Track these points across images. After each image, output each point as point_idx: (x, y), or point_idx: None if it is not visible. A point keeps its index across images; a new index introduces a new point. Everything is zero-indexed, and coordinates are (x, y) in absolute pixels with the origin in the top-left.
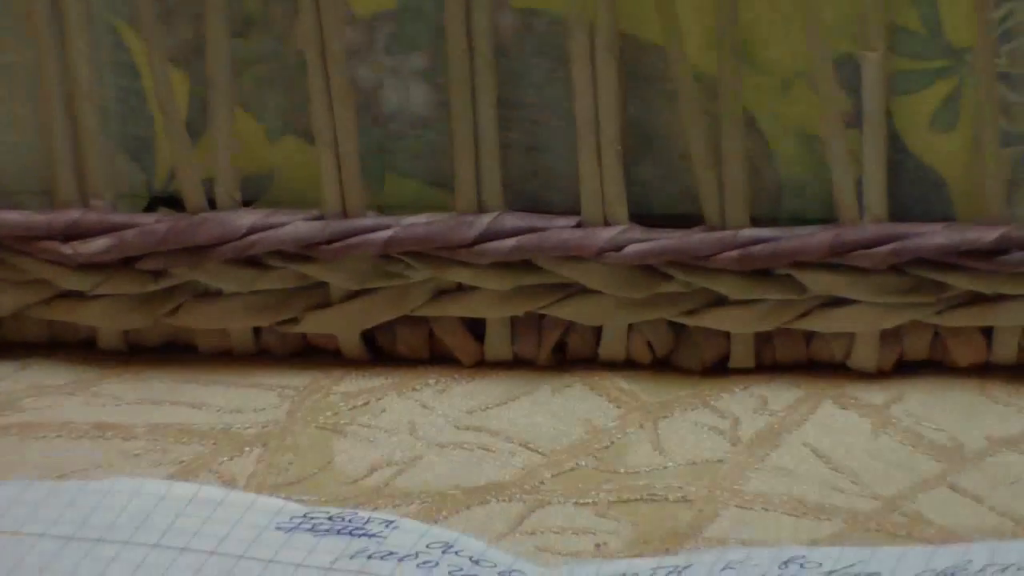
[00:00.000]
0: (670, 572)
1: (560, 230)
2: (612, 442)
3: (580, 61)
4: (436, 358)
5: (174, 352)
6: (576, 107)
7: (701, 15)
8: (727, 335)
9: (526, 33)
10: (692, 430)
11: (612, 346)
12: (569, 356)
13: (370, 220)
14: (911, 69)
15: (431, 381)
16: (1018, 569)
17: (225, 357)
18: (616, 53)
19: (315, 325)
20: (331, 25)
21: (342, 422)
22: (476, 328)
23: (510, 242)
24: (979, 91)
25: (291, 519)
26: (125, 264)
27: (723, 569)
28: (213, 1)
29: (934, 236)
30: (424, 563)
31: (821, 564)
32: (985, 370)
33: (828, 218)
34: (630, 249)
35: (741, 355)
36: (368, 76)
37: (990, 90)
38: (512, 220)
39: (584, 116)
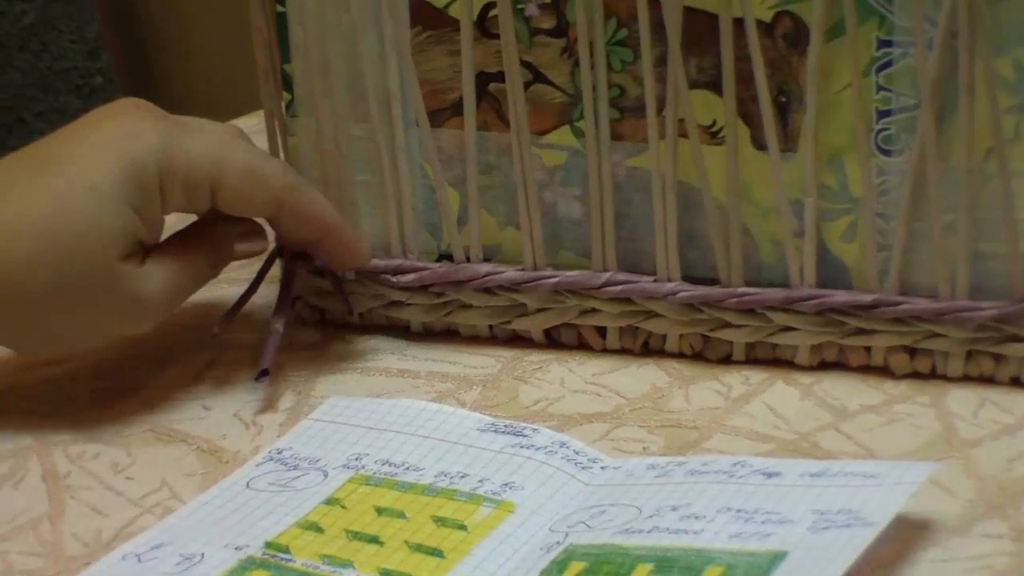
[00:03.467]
0: (677, 463)
1: (645, 283)
2: (663, 395)
3: (657, 196)
4: (581, 346)
5: (448, 335)
6: (656, 221)
7: (719, 171)
8: (731, 343)
9: (631, 178)
10: (707, 391)
11: (671, 344)
12: (649, 349)
13: (547, 272)
14: (831, 208)
15: (576, 358)
16: (865, 476)
17: (473, 339)
18: (675, 192)
19: (519, 325)
20: (530, 171)
21: (526, 376)
22: (602, 331)
23: (619, 287)
24: (865, 221)
25: (485, 424)
26: (424, 288)
27: (703, 464)
28: (470, 155)
29: (840, 296)
30: (548, 451)
31: (753, 465)
32: (866, 369)
33: (785, 284)
34: (681, 295)
35: (738, 354)
36: (550, 198)
37: (870, 221)
38: (621, 276)
39: (660, 225)
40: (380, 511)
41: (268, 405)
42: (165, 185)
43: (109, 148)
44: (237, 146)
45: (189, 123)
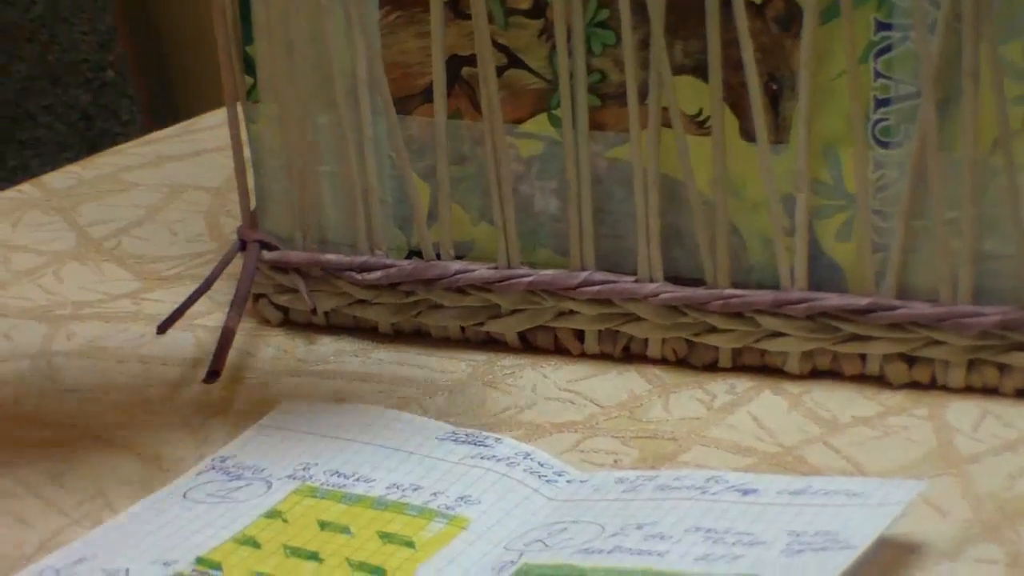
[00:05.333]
0: (648, 478)
1: (626, 283)
2: (641, 404)
3: (639, 190)
4: (558, 350)
5: (416, 336)
6: (637, 217)
7: (705, 164)
8: (716, 348)
9: (611, 171)
10: (688, 400)
11: (653, 350)
12: (630, 354)
13: (522, 271)
14: (824, 204)
15: (552, 362)
16: (848, 495)
17: (444, 342)
18: (658, 185)
19: (492, 327)
20: (504, 162)
21: (496, 382)
22: (580, 335)
23: (597, 288)
24: (861, 219)
25: (445, 433)
26: (392, 287)
27: (675, 479)
28: (441, 144)
29: (833, 300)
30: (510, 463)
31: (728, 481)
32: (861, 378)
33: (774, 286)
34: (663, 296)
35: (724, 360)
36: (527, 190)
37: (867, 218)
38: (600, 276)
39: (641, 221)
40: (323, 525)
41: (218, 409)
42: None
43: None
44: None
45: None
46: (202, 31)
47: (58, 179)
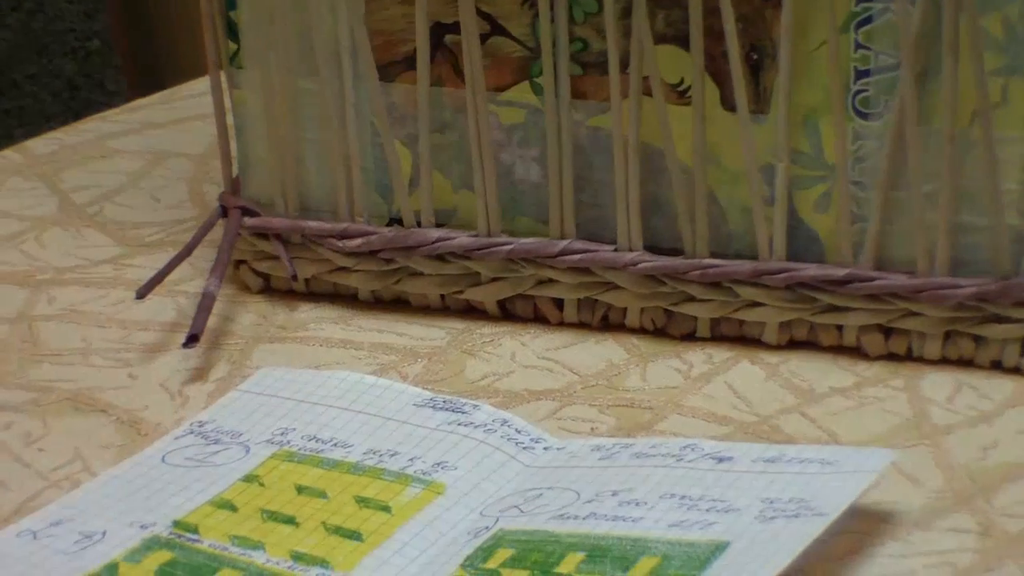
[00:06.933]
0: (624, 445)
1: (605, 252)
2: (619, 373)
3: (620, 159)
4: (536, 318)
5: (396, 304)
6: (617, 186)
7: (686, 134)
8: (695, 318)
9: (593, 140)
10: (666, 369)
11: (632, 319)
12: (609, 323)
13: (502, 239)
14: (804, 175)
15: (531, 331)
16: (822, 463)
17: (424, 310)
18: (639, 154)
19: (472, 295)
20: (486, 130)
21: (475, 350)
22: (560, 304)
23: (577, 256)
24: (840, 190)
25: (423, 400)
26: (372, 254)
27: (651, 447)
28: (423, 112)
29: (811, 270)
30: (487, 430)
31: (703, 448)
32: (838, 349)
33: (753, 256)
34: (642, 265)
35: (702, 330)
36: (508, 158)
37: (846, 189)
38: (579, 244)
39: (621, 190)
40: (300, 490)
41: (198, 375)
42: None
43: None
44: None
45: None
46: (187, 1)
47: (41, 145)
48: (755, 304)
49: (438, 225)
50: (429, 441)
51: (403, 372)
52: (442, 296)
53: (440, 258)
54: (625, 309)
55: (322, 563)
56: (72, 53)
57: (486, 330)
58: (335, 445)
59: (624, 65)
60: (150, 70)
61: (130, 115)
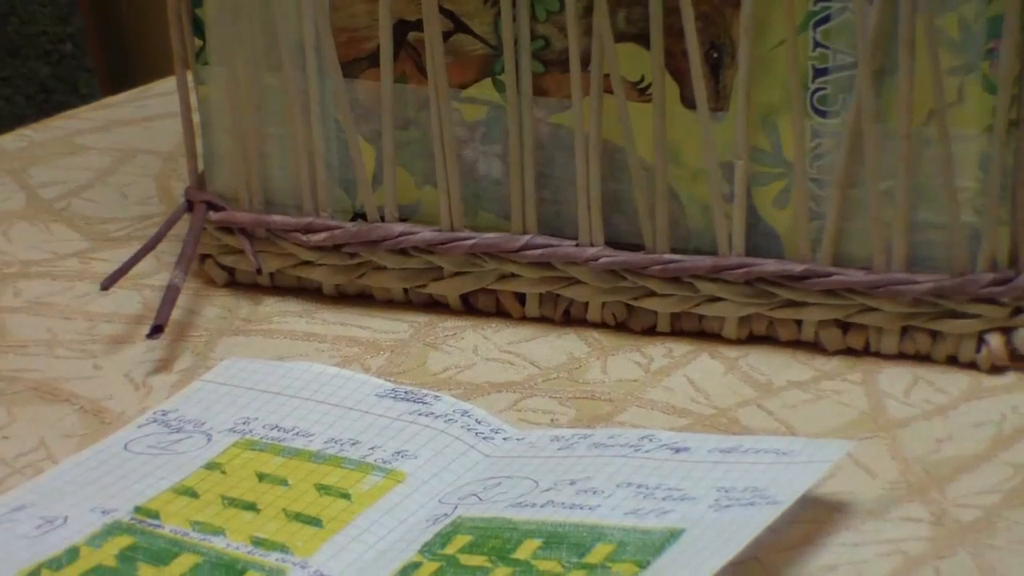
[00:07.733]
0: (583, 436)
1: (566, 247)
2: (580, 366)
3: (581, 156)
4: (499, 313)
5: (360, 298)
6: (578, 182)
7: (646, 131)
8: (655, 313)
9: (554, 136)
10: (626, 363)
11: (593, 313)
12: (571, 318)
13: (465, 233)
14: (763, 172)
15: (493, 325)
16: (777, 454)
17: (387, 303)
18: (599, 151)
19: (435, 289)
20: (448, 126)
21: (438, 343)
22: (522, 298)
23: (539, 251)
24: (799, 187)
25: (384, 390)
26: (336, 248)
27: (609, 437)
28: (386, 108)
29: (769, 266)
30: (448, 420)
31: (661, 439)
32: (796, 344)
33: (712, 252)
34: (603, 260)
35: (662, 324)
36: (470, 155)
37: (804, 186)
38: (541, 240)
39: (582, 186)
40: (261, 477)
41: (162, 366)
42: None
43: None
44: None
45: None
46: (161, 5)
47: (9, 141)
48: (715, 299)
49: (401, 220)
50: (390, 431)
51: (366, 364)
52: (405, 290)
53: (403, 252)
54: (586, 304)
55: (282, 548)
56: (45, 56)
57: (449, 324)
58: (296, 434)
59: (585, 63)
60: (123, 74)
61: (99, 112)
